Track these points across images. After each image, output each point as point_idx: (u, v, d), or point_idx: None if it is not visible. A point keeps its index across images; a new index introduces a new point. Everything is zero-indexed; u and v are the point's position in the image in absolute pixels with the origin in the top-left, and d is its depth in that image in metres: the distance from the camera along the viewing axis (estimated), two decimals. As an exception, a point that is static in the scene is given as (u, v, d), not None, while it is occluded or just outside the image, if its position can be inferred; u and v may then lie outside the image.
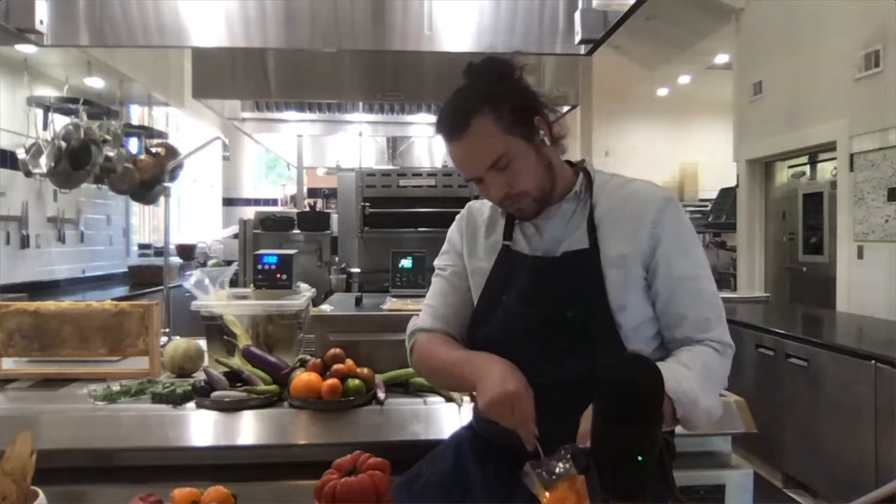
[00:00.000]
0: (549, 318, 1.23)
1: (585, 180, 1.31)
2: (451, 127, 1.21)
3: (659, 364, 1.17)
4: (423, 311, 1.41)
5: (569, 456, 0.96)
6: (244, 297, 2.10)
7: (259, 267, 2.14)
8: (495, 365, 1.16)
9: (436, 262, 1.45)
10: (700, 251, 1.30)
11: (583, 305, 1.23)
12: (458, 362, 1.25)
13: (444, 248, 1.45)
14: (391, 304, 2.13)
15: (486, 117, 1.19)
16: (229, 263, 4.76)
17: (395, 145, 6.09)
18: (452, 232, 1.45)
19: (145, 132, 5.25)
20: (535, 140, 1.24)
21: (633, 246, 1.24)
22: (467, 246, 1.40)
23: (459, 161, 1.24)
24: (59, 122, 4.37)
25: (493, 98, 1.20)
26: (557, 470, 0.95)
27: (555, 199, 1.29)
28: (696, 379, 1.15)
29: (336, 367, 1.72)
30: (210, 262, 6.05)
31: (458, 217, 1.46)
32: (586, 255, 1.25)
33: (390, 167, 5.42)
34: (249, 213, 5.41)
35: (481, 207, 1.42)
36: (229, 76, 3.31)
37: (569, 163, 1.35)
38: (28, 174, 4.13)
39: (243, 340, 1.87)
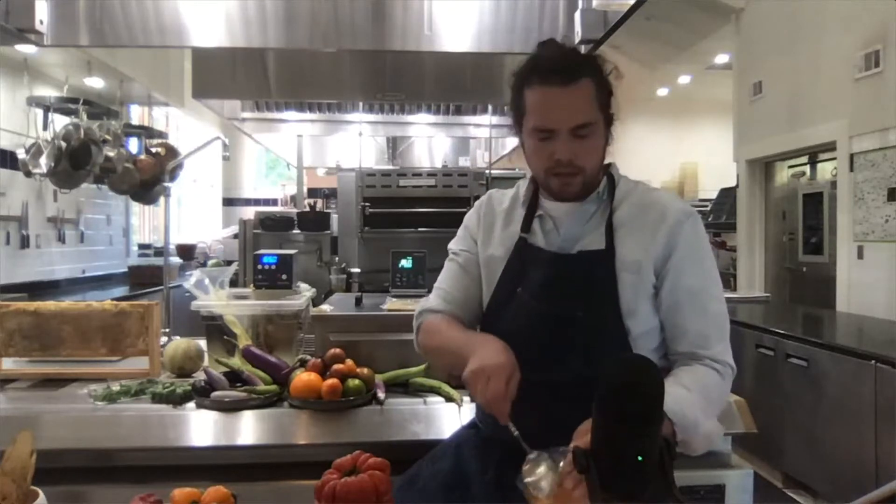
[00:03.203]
0: (560, 315, 1.24)
1: (608, 183, 1.31)
2: (561, 72, 1.21)
3: None
4: (434, 293, 1.42)
5: (552, 460, 0.97)
6: (244, 297, 2.10)
7: (259, 267, 2.14)
8: (490, 343, 1.18)
9: (450, 246, 1.45)
10: (713, 269, 1.29)
11: (594, 306, 1.23)
12: (460, 342, 1.26)
13: (459, 232, 1.46)
14: (391, 304, 2.12)
15: (591, 82, 1.22)
16: (229, 263, 4.77)
17: (395, 145, 6.10)
18: (470, 218, 1.45)
19: (145, 132, 5.25)
20: (609, 128, 1.28)
21: (648, 253, 1.24)
22: (483, 234, 1.40)
23: (552, 108, 1.22)
24: (59, 122, 4.36)
25: (598, 73, 1.25)
26: (543, 483, 0.98)
27: (587, 192, 1.30)
28: (697, 402, 1.15)
29: (336, 367, 1.72)
30: (210, 262, 6.04)
31: (476, 203, 1.46)
32: (602, 257, 1.25)
33: (390, 167, 5.43)
34: (249, 213, 5.41)
35: (501, 197, 1.43)
36: (229, 76, 3.31)
37: None
38: (28, 174, 4.13)
39: (243, 340, 1.87)
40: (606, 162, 1.36)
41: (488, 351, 1.15)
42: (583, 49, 2.26)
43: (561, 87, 1.20)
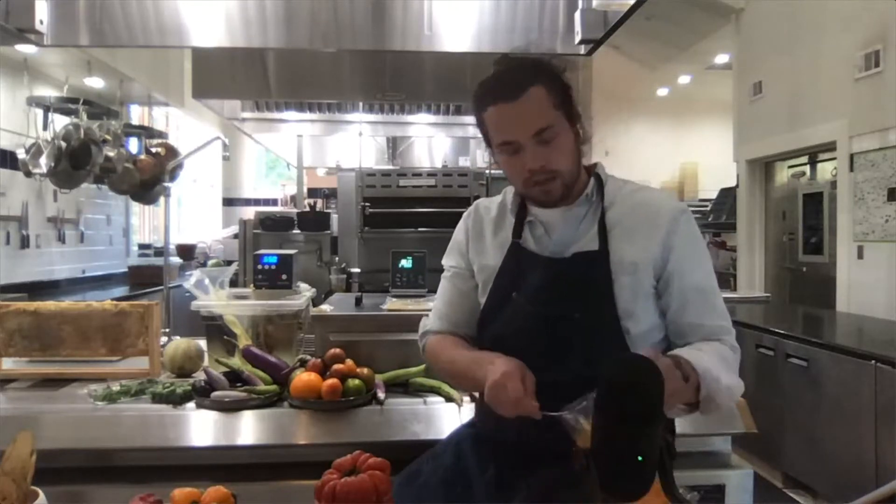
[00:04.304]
0: (558, 317, 1.23)
1: (596, 183, 1.31)
2: (507, 88, 1.22)
3: (678, 349, 1.18)
4: (432, 312, 1.44)
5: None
6: (244, 297, 2.10)
7: (259, 267, 2.14)
8: (498, 360, 1.18)
9: (443, 261, 1.46)
10: (709, 262, 1.31)
11: (591, 308, 1.23)
12: (467, 363, 1.27)
13: (450, 245, 1.45)
14: (391, 304, 2.13)
15: (541, 88, 1.22)
16: (229, 263, 4.77)
17: (395, 145, 6.10)
18: (458, 230, 1.45)
19: (145, 132, 5.25)
20: (576, 125, 1.27)
21: (645, 254, 1.24)
22: (473, 244, 1.40)
23: (508, 122, 1.23)
24: (59, 122, 4.36)
25: (548, 75, 1.24)
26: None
27: (573, 195, 1.30)
28: (716, 361, 1.17)
29: (336, 367, 1.73)
30: (210, 262, 6.04)
31: (465, 214, 1.46)
32: (596, 258, 1.25)
33: (390, 167, 5.43)
34: (249, 213, 5.41)
35: (489, 205, 1.43)
36: (229, 76, 3.31)
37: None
38: (28, 174, 4.13)
39: (243, 340, 1.87)
40: (592, 162, 1.36)
41: (496, 366, 1.15)
42: (582, 49, 2.26)
43: (510, 102, 1.21)
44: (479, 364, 1.21)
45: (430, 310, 1.47)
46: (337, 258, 4.40)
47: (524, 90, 1.21)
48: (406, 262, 2.47)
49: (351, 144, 5.38)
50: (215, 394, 1.68)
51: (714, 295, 1.28)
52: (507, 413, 1.11)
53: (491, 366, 1.16)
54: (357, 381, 1.71)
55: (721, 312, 1.28)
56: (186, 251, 6.45)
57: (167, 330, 2.39)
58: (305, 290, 2.21)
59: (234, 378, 1.76)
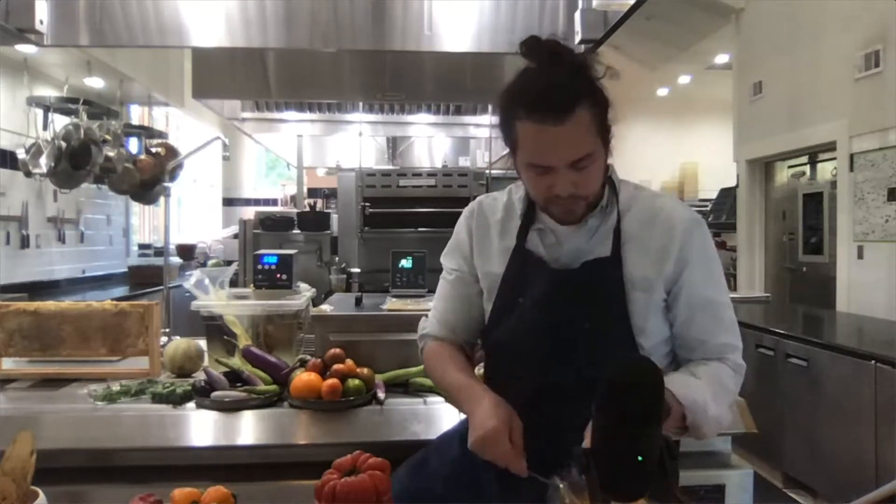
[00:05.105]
0: (567, 324, 1.21)
1: (611, 192, 1.26)
2: (551, 108, 1.08)
3: (671, 374, 1.17)
4: (431, 314, 1.40)
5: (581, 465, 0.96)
6: (244, 297, 2.10)
7: (259, 267, 2.14)
8: (483, 402, 1.15)
9: (442, 259, 1.41)
10: (722, 276, 1.28)
11: (602, 320, 1.20)
12: (456, 388, 1.26)
13: (451, 244, 1.39)
14: (391, 304, 2.13)
15: (586, 110, 1.11)
16: (229, 263, 4.77)
17: (395, 145, 6.11)
18: (460, 229, 1.37)
19: (145, 132, 5.25)
20: (609, 147, 1.18)
21: (659, 268, 1.21)
22: (477, 246, 1.34)
23: (545, 147, 1.12)
24: (59, 122, 4.36)
25: (593, 92, 1.13)
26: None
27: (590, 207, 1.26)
28: (707, 388, 1.15)
29: (336, 367, 1.73)
30: (210, 262, 6.05)
31: (467, 212, 1.38)
32: (607, 265, 1.21)
33: (390, 167, 5.43)
34: (249, 213, 5.41)
35: (493, 204, 1.35)
36: (229, 76, 3.31)
37: None
38: (28, 174, 4.13)
39: (243, 340, 1.87)
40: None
41: (482, 416, 1.12)
42: (582, 49, 2.26)
43: (556, 125, 1.08)
44: (469, 397, 1.20)
45: (429, 310, 1.44)
46: (337, 258, 4.40)
47: (570, 113, 1.08)
48: (406, 262, 2.47)
49: (351, 144, 5.38)
50: (215, 394, 1.68)
51: (723, 308, 1.25)
52: (494, 462, 1.11)
53: (480, 406, 1.14)
54: (357, 381, 1.71)
55: (729, 327, 1.25)
56: (186, 251, 6.45)
57: (167, 330, 2.39)
58: (305, 290, 2.21)
59: (234, 378, 1.76)
